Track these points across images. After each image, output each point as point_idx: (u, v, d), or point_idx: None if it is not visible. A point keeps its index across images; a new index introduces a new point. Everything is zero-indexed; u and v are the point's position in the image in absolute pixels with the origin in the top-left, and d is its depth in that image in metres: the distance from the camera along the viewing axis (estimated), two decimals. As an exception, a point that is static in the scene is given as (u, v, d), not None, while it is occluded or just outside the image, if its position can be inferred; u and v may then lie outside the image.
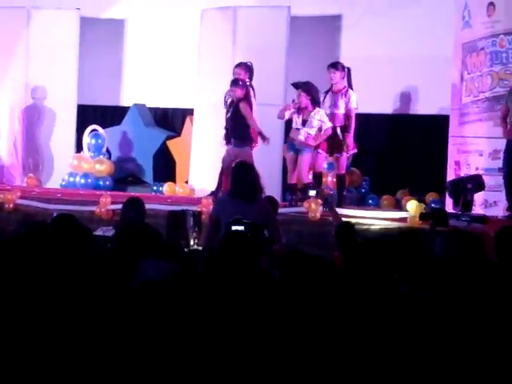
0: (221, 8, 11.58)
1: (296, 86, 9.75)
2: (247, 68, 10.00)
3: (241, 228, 6.20)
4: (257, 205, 6.70)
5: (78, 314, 3.95)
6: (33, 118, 12.33)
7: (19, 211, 9.88)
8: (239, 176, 6.88)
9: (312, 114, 9.66)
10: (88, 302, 4.05)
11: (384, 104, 11.91)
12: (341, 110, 9.86)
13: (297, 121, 9.77)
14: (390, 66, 11.59)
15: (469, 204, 8.82)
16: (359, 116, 10.34)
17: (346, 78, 9.93)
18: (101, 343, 3.78)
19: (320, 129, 9.67)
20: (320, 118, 9.64)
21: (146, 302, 3.98)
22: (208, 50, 11.64)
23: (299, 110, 9.68)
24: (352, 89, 9.96)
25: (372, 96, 11.40)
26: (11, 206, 9.96)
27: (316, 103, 9.68)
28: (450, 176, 10.20)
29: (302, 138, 9.68)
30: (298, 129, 9.76)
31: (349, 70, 10.02)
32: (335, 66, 10.02)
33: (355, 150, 10.16)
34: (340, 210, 8.93)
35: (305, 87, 9.63)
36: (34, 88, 12.23)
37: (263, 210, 6.75)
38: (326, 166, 10.73)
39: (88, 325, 3.87)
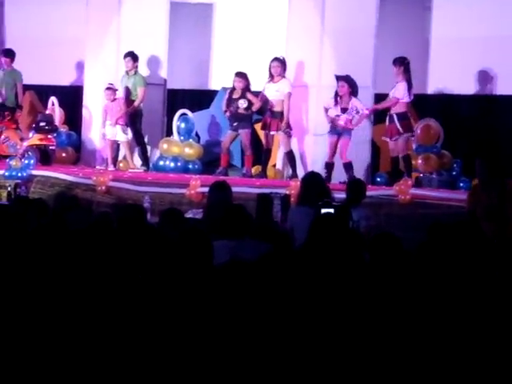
0: (310, -10, 11.53)
1: (337, 77, 10.74)
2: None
3: (330, 210, 6.22)
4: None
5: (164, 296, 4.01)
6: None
7: (111, 193, 10.08)
8: (308, 185, 7.20)
9: (350, 102, 10.70)
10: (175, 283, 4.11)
11: (473, 85, 11.67)
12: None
13: (336, 109, 10.77)
14: (482, 45, 11.34)
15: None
16: (447, 97, 10.24)
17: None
18: (191, 323, 3.83)
19: (357, 115, 10.73)
20: (356, 105, 10.66)
21: (236, 282, 4.00)
22: (296, 33, 11.62)
23: (340, 98, 10.73)
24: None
25: (462, 77, 11.22)
26: (104, 188, 10.16)
27: (353, 93, 10.72)
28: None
29: (341, 123, 10.68)
30: (338, 115, 10.71)
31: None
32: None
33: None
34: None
35: (345, 79, 10.64)
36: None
37: None
38: (414, 147, 10.77)
39: (174, 304, 3.92)
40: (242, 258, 4.12)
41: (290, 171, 11.33)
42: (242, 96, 11.23)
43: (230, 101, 11.30)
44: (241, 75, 11.33)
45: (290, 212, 7.47)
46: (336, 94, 10.77)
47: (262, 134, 11.58)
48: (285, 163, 11.64)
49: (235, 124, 11.29)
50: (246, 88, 11.27)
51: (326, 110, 10.86)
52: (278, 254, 4.19)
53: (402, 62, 10.55)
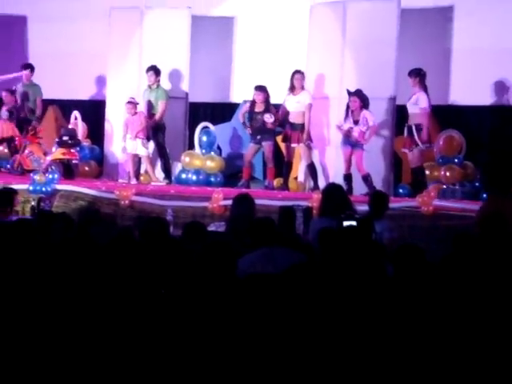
0: (330, 3, 11.56)
1: (349, 93, 10.89)
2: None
3: (353, 223, 6.21)
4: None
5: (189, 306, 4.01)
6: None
7: (135, 207, 10.12)
8: (329, 196, 7.24)
9: (361, 114, 10.75)
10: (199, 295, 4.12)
11: (495, 95, 11.61)
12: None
13: (349, 121, 10.86)
14: (503, 56, 11.30)
15: None
16: (468, 108, 10.20)
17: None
18: (218, 334, 3.83)
19: (368, 127, 10.75)
20: (367, 117, 10.73)
21: (260, 295, 4.00)
22: (317, 46, 11.66)
23: (351, 112, 10.85)
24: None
25: (483, 87, 11.19)
26: (127, 202, 10.20)
27: (364, 106, 10.80)
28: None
29: (355, 134, 10.72)
30: (352, 127, 10.78)
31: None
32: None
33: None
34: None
35: (357, 94, 10.79)
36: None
37: None
38: (436, 158, 10.82)
39: (200, 315, 3.92)
40: (274, 268, 4.12)
41: (312, 183, 11.33)
42: (266, 110, 11.27)
43: (252, 114, 11.34)
44: (260, 88, 11.38)
45: (312, 224, 7.46)
46: (347, 108, 10.87)
47: (283, 146, 11.60)
48: (306, 175, 11.65)
49: (259, 137, 11.33)
50: (267, 101, 11.32)
51: (339, 128, 10.96)
52: (305, 266, 4.18)
53: (417, 74, 10.59)
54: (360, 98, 10.79)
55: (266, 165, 11.66)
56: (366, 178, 10.65)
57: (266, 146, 11.37)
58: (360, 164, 10.75)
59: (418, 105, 10.56)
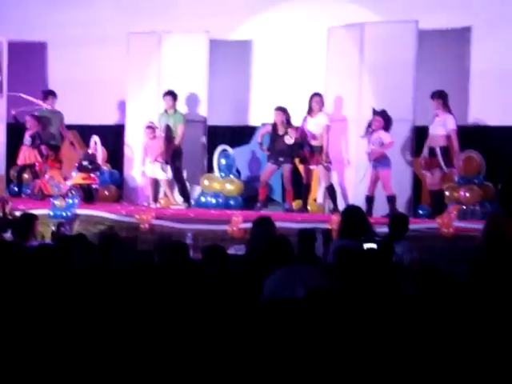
0: (347, 25, 11.58)
1: (375, 112, 10.89)
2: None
3: (373, 245, 6.20)
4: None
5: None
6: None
7: (154, 231, 10.14)
8: (348, 218, 7.22)
9: (377, 134, 10.78)
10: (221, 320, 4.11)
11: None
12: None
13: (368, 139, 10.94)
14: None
15: None
16: (487, 128, 10.16)
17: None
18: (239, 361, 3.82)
19: (382, 145, 10.75)
20: (381, 136, 10.73)
21: (283, 319, 3.99)
22: (335, 68, 11.69)
23: (372, 131, 10.81)
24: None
25: (502, 108, 11.16)
26: (147, 226, 10.23)
27: (386, 128, 10.77)
28: None
29: (370, 154, 10.81)
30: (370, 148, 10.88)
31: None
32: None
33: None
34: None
35: (382, 114, 10.81)
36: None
37: None
38: (456, 179, 10.76)
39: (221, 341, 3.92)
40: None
41: (331, 205, 11.32)
42: (287, 132, 11.33)
43: (273, 136, 11.39)
44: (280, 109, 11.43)
45: (332, 246, 7.44)
46: (369, 126, 10.85)
47: (301, 168, 11.61)
48: (325, 197, 11.64)
49: (281, 159, 11.35)
50: (288, 122, 11.39)
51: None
52: (325, 289, 4.18)
53: (440, 95, 10.58)
54: (384, 119, 10.77)
55: (285, 187, 11.67)
56: (391, 199, 10.60)
57: (286, 168, 11.40)
58: (385, 183, 10.70)
59: (444, 126, 10.49)
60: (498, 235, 6.32)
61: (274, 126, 11.49)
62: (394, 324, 4.05)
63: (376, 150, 10.72)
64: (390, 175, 10.72)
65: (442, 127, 10.53)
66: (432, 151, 10.56)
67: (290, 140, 11.28)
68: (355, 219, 7.30)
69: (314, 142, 11.21)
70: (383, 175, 10.73)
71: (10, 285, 4.74)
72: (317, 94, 11.28)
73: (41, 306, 4.32)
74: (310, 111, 11.26)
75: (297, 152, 11.41)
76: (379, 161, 10.73)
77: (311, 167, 11.31)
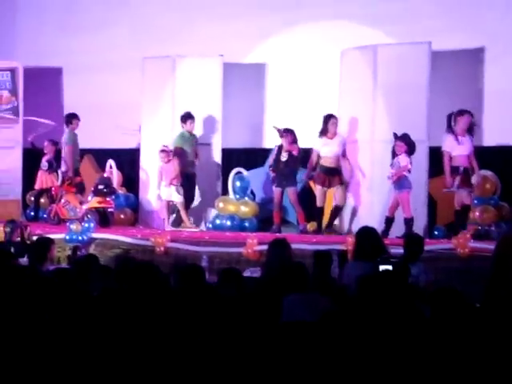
0: (361, 47, 11.63)
1: (396, 137, 10.74)
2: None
3: (389, 267, 6.19)
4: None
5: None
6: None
7: (170, 254, 10.16)
8: (363, 239, 7.19)
9: (398, 158, 10.68)
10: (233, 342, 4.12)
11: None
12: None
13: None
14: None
15: None
16: (502, 148, 10.15)
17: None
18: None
19: (399, 168, 10.67)
20: (399, 161, 10.65)
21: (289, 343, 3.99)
22: (348, 90, 11.71)
23: (396, 156, 10.70)
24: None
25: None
26: (162, 249, 10.25)
27: (410, 152, 10.66)
28: None
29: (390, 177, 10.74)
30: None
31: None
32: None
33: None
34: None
35: (403, 139, 10.67)
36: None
37: None
38: (475, 201, 10.71)
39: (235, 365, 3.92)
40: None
41: (347, 226, 11.33)
42: (290, 153, 11.40)
43: (279, 159, 11.47)
44: (287, 131, 11.48)
45: (346, 268, 7.44)
46: (393, 152, 10.79)
47: (315, 189, 11.61)
48: (341, 218, 11.64)
49: (284, 182, 11.45)
50: (293, 143, 11.43)
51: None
52: (338, 312, 4.18)
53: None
54: (406, 143, 10.70)
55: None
56: (408, 222, 10.55)
57: (290, 191, 11.47)
58: (404, 205, 10.64)
59: (465, 146, 10.43)
60: (507, 255, 6.30)
61: (280, 148, 11.54)
62: (410, 345, 4.04)
63: (394, 172, 10.70)
64: (408, 198, 10.66)
65: (465, 147, 10.47)
66: (456, 170, 10.45)
67: (284, 157, 11.33)
68: (369, 240, 7.29)
69: (330, 164, 11.22)
70: (401, 197, 10.68)
71: (26, 309, 4.76)
72: (333, 116, 11.30)
73: (57, 330, 4.34)
74: (325, 133, 11.28)
75: (295, 175, 11.46)
76: (397, 183, 10.69)
77: (324, 188, 11.29)
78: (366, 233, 7.56)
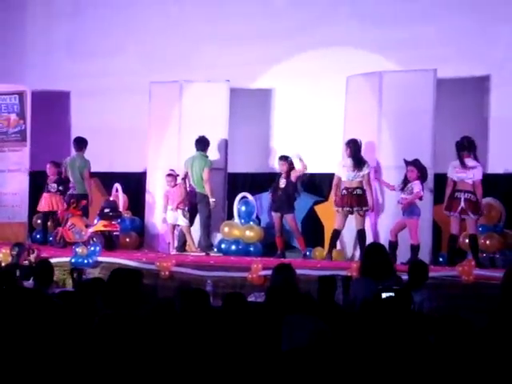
0: (366, 74, 11.69)
1: (407, 162, 10.75)
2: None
3: (391, 294, 6.18)
4: (391, 281, 6.73)
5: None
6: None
7: (175, 279, 10.17)
8: (371, 255, 7.17)
9: (411, 184, 10.70)
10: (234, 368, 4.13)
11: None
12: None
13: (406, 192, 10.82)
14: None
15: None
16: (507, 176, 10.17)
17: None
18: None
19: (411, 194, 10.65)
20: (413, 187, 10.66)
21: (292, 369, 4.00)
22: (354, 116, 11.76)
23: (408, 183, 10.73)
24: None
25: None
26: (167, 273, 10.26)
27: (422, 178, 10.70)
28: None
29: (401, 202, 10.71)
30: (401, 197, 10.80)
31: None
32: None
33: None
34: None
35: (414, 164, 10.71)
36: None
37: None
38: (480, 228, 10.70)
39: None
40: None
41: (352, 251, 11.34)
42: (288, 180, 11.53)
43: (276, 186, 11.67)
44: (283, 158, 11.66)
45: (353, 284, 7.41)
46: (405, 178, 10.79)
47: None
48: (355, 242, 11.59)
49: (281, 208, 11.64)
50: (289, 171, 11.58)
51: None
52: (337, 337, 4.19)
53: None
54: (417, 168, 10.71)
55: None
56: (414, 248, 10.54)
57: (288, 218, 11.57)
58: (411, 232, 10.61)
59: (472, 172, 10.45)
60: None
61: (279, 175, 11.64)
62: (414, 372, 4.05)
63: (405, 198, 10.70)
64: (416, 224, 10.65)
65: (471, 174, 10.46)
66: (465, 198, 10.43)
67: (282, 184, 11.44)
68: (377, 257, 7.22)
69: (353, 190, 11.21)
70: (409, 224, 10.67)
71: (30, 331, 4.77)
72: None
73: (60, 351, 4.36)
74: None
75: (293, 201, 11.59)
76: (407, 209, 10.68)
77: (346, 211, 11.25)
78: (373, 249, 7.51)
